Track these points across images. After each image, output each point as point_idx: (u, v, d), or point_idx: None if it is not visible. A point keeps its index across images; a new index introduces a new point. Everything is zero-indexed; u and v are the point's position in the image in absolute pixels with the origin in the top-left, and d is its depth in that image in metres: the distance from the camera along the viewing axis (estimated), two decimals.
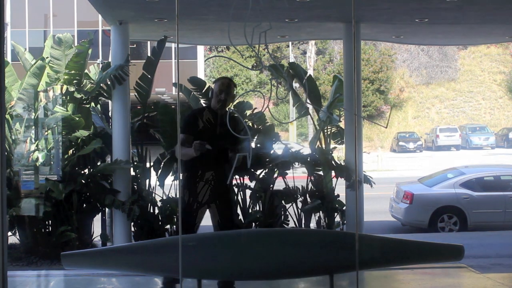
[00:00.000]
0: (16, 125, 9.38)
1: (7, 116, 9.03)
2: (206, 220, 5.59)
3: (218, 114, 5.45)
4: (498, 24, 9.23)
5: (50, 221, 8.86)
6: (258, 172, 9.00)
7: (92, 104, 9.46)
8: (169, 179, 8.87)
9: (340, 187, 9.26)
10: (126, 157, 8.62)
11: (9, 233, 8.83)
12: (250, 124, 9.35)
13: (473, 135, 36.87)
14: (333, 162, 9.21)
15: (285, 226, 8.90)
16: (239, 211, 8.95)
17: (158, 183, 8.92)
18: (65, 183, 8.72)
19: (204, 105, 9.33)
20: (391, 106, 39.54)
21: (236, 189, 9.03)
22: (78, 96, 9.27)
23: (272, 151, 9.17)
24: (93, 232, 9.33)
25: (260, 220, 8.73)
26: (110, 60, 9.12)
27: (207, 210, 5.52)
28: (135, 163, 9.09)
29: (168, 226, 8.79)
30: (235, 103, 9.66)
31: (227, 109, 5.50)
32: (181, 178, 5.59)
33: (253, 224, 8.76)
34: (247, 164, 3.78)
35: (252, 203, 9.03)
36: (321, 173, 9.21)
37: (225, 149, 5.39)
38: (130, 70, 8.79)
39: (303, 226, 9.08)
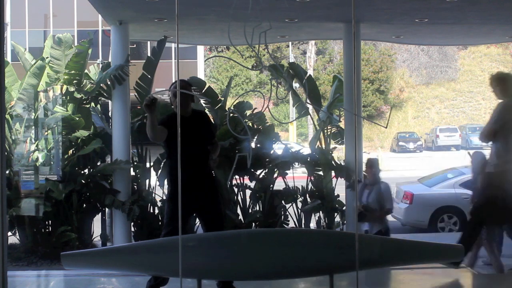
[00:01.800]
0: (16, 125, 9.38)
1: (7, 116, 9.03)
2: None
3: (186, 117, 5.26)
4: (498, 24, 9.23)
5: (50, 221, 8.86)
6: (258, 172, 9.00)
7: (92, 104, 9.46)
8: None
9: (340, 187, 9.26)
10: (126, 157, 8.62)
11: (9, 233, 8.83)
12: (250, 124, 9.35)
13: (473, 135, 36.76)
14: (333, 162, 9.21)
15: (285, 226, 8.90)
16: (239, 211, 8.96)
17: (158, 183, 8.92)
18: (65, 183, 8.72)
19: (203, 104, 9.35)
20: (391, 106, 39.50)
21: (236, 189, 9.04)
22: (78, 96, 9.27)
23: (272, 151, 9.17)
24: (93, 232, 9.32)
25: (260, 220, 8.73)
26: (110, 60, 9.13)
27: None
28: (135, 163, 9.10)
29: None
30: (235, 103, 9.68)
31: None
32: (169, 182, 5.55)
33: (253, 224, 8.76)
34: (247, 164, 3.78)
35: (252, 203, 9.04)
36: (321, 173, 9.21)
37: (204, 152, 5.33)
38: (130, 70, 8.79)
39: (303, 226, 9.09)
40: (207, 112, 9.54)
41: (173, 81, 5.54)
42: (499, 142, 6.20)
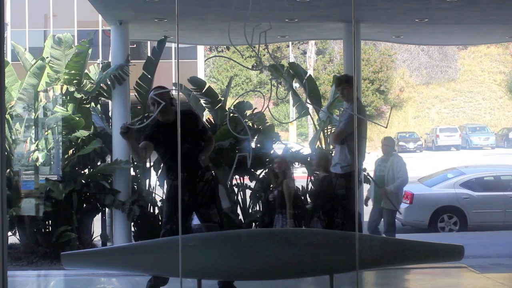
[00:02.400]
0: (16, 125, 9.38)
1: (7, 116, 9.03)
2: None
3: (170, 122, 5.18)
4: (498, 24, 9.23)
5: (50, 221, 8.85)
6: (258, 172, 8.99)
7: (92, 104, 9.46)
8: None
9: None
10: (126, 157, 8.61)
11: (9, 233, 8.83)
12: (250, 124, 9.35)
13: (473, 135, 36.82)
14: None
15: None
16: (239, 211, 8.95)
17: (158, 183, 8.91)
18: (65, 183, 8.72)
19: (203, 104, 9.35)
20: (391, 106, 39.50)
21: (236, 189, 9.03)
22: (78, 96, 9.27)
23: (272, 151, 9.16)
24: (93, 232, 9.32)
25: (260, 220, 8.71)
26: (110, 60, 9.13)
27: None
28: (135, 163, 9.09)
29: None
30: (235, 103, 9.68)
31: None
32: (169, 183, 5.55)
33: (253, 224, 8.76)
34: (248, 164, 3.78)
35: (252, 203, 9.03)
36: None
37: (200, 151, 5.30)
38: (130, 70, 8.79)
39: (303, 226, 9.07)
40: (208, 111, 9.57)
41: (159, 84, 5.49)
42: (352, 144, 6.37)
